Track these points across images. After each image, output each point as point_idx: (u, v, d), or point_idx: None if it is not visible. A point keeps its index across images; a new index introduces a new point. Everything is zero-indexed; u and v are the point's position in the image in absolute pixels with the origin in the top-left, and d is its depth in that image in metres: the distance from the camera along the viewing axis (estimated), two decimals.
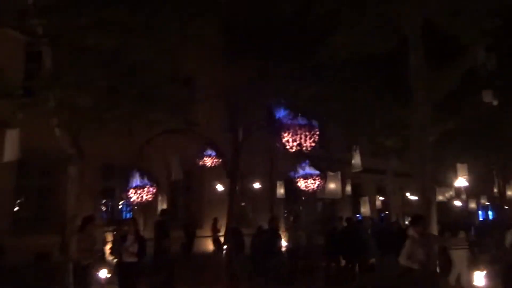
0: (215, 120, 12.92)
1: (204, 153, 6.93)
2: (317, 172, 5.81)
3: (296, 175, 5.89)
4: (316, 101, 9.78)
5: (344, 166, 12.09)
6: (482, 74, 7.79)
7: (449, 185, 16.13)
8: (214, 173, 10.02)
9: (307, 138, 4.09)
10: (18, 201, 12.27)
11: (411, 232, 5.81)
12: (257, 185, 14.80)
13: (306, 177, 5.82)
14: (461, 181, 11.39)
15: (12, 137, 8.14)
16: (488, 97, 8.04)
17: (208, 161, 6.97)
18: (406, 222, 15.54)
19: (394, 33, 7.19)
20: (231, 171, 6.49)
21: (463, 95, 8.73)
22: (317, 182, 5.81)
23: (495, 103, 8.17)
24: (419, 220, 5.86)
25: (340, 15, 6.78)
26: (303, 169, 5.78)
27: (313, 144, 4.08)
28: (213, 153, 6.88)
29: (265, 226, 10.78)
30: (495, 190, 17.19)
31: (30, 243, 10.21)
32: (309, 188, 5.83)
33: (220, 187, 13.28)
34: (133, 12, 7.32)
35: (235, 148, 6.66)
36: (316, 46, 7.42)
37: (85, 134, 9.77)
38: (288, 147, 4.11)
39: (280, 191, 14.36)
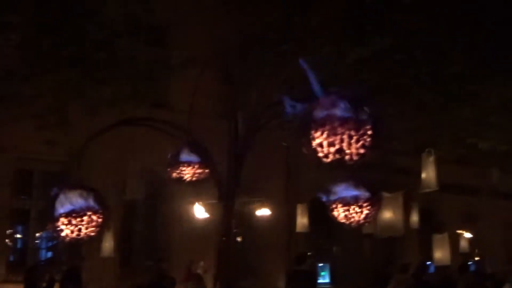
0: (202, 104, 12.99)
1: (181, 159, 7.00)
2: (367, 194, 5.85)
3: (332, 199, 5.93)
4: (372, 70, 9.77)
5: (410, 180, 12.11)
6: None
7: None
8: (194, 191, 10.11)
9: (353, 140, 4.11)
10: None
11: None
12: (264, 212, 14.90)
13: (347, 202, 5.86)
14: None
15: None
16: None
17: (187, 172, 7.03)
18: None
19: None
20: (226, 188, 6.49)
21: None
22: (365, 211, 5.85)
23: None
24: None
25: None
26: (343, 189, 5.82)
27: (362, 151, 4.10)
28: (195, 159, 6.95)
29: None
30: None
31: None
32: (352, 220, 5.88)
33: (201, 213, 13.37)
34: None
35: (233, 150, 6.65)
36: None
37: None
38: (321, 154, 4.13)
39: (303, 220, 14.44)
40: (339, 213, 5.86)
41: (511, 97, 9.11)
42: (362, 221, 5.88)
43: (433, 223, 17.95)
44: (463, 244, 17.70)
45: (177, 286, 11.63)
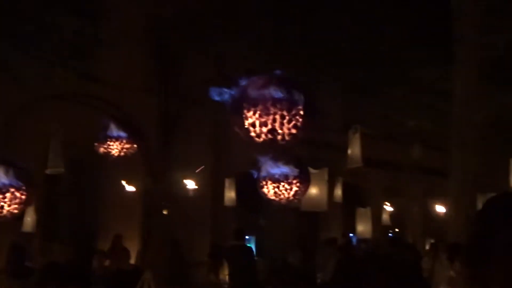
0: (132, 78, 12.76)
1: (108, 134, 6.86)
2: (296, 171, 5.92)
3: (261, 176, 5.97)
4: (305, 50, 9.83)
5: (337, 157, 12.31)
6: None
7: (499, 191, 16.97)
8: (122, 166, 10.00)
9: (285, 120, 4.14)
10: None
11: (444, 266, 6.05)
12: (191, 185, 14.84)
13: (276, 179, 5.91)
14: None
15: None
16: None
17: (115, 147, 6.90)
18: (427, 247, 16.23)
19: None
20: (154, 162, 6.43)
21: None
22: (295, 188, 5.92)
23: None
24: (457, 251, 6.08)
25: None
26: (273, 166, 5.86)
27: (293, 131, 4.13)
28: (123, 134, 6.82)
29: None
30: None
31: None
32: (282, 197, 5.94)
33: (129, 187, 13.20)
34: None
35: (162, 125, 6.60)
36: None
37: None
38: (254, 134, 4.14)
39: (230, 194, 14.46)
40: (269, 189, 5.90)
41: (438, 78, 9.38)
42: (291, 198, 5.95)
43: (356, 198, 18.37)
44: (385, 217, 18.22)
45: (104, 260, 11.51)
